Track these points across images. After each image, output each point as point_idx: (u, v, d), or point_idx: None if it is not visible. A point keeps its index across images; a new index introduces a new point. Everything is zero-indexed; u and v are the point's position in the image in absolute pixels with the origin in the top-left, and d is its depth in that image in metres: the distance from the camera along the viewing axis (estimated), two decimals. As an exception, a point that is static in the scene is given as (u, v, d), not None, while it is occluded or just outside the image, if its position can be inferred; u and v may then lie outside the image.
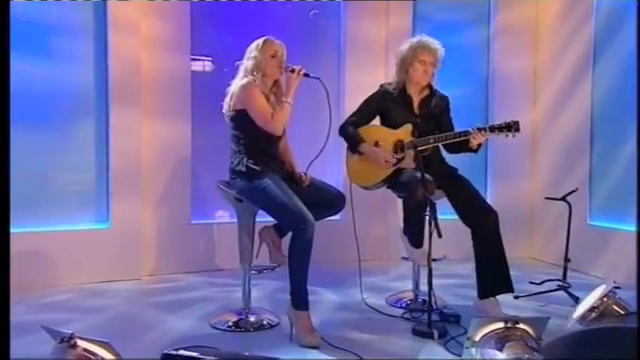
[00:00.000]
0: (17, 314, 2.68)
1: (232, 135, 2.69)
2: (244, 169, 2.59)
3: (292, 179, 2.73)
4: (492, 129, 2.71)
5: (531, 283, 3.41)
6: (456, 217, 2.87)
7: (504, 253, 2.76)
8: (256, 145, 2.64)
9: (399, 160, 2.89)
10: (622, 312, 2.19)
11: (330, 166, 3.85)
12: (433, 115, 3.00)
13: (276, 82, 2.72)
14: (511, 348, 1.86)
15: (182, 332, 2.63)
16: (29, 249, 3.31)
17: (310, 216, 2.44)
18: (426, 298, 2.65)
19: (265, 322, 2.73)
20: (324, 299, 3.24)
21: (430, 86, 3.02)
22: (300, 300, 2.49)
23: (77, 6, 3.57)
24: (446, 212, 2.89)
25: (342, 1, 4.37)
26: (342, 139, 3.04)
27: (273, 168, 2.64)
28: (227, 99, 2.68)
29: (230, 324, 2.70)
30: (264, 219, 2.70)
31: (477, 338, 1.93)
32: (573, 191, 3.31)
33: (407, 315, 2.89)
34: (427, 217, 2.57)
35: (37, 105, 3.45)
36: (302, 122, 3.67)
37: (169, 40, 3.84)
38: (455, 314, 2.79)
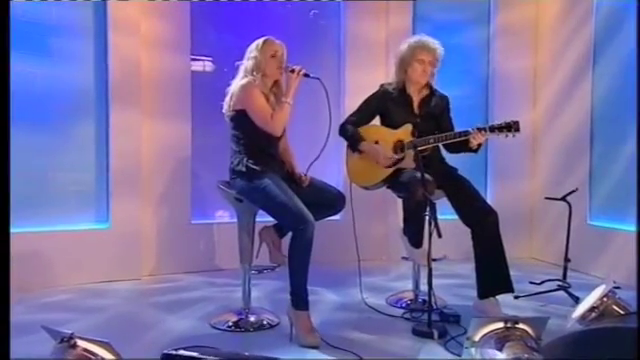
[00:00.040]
0: (17, 314, 2.68)
1: (232, 135, 2.69)
2: (244, 169, 2.59)
3: (292, 179, 2.73)
4: (492, 129, 2.70)
5: (531, 283, 3.40)
6: (456, 217, 2.86)
7: (504, 253, 2.76)
8: (256, 145, 2.64)
9: (399, 160, 2.89)
10: (622, 312, 2.19)
11: (330, 166, 3.84)
12: (433, 115, 3.00)
13: (276, 82, 2.72)
14: (511, 348, 1.86)
15: (182, 332, 2.63)
16: (29, 249, 3.30)
17: (310, 216, 2.44)
18: (426, 298, 2.65)
19: (265, 322, 2.73)
20: (324, 299, 3.24)
21: (430, 86, 3.02)
22: (300, 300, 2.49)
23: (77, 6, 3.57)
24: (446, 212, 2.89)
25: (342, 1, 4.37)
26: (342, 139, 3.04)
27: (273, 168, 2.64)
28: (227, 99, 2.68)
29: (230, 324, 2.70)
30: (264, 219, 2.70)
31: (477, 338, 1.94)
32: (573, 191, 3.31)
33: (407, 315, 2.89)
34: (427, 217, 2.57)
35: (37, 105, 3.45)
36: (302, 122, 3.67)
37: (169, 40, 3.84)
38: (455, 314, 2.79)
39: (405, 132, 2.91)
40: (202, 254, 3.99)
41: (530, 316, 2.39)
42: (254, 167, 2.57)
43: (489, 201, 3.17)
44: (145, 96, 3.73)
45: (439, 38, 2.99)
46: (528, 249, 4.54)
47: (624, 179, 3.60)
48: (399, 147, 2.91)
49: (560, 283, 3.23)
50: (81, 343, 1.78)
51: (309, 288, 2.52)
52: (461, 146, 2.85)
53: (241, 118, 2.61)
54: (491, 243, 2.75)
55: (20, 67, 3.22)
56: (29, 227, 3.34)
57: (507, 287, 2.79)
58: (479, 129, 2.73)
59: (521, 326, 1.92)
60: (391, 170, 2.89)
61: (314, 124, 3.54)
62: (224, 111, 2.70)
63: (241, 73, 2.69)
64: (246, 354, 2.11)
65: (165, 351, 1.86)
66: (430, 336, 2.52)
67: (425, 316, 2.64)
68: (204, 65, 4.05)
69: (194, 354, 1.82)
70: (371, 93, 3.08)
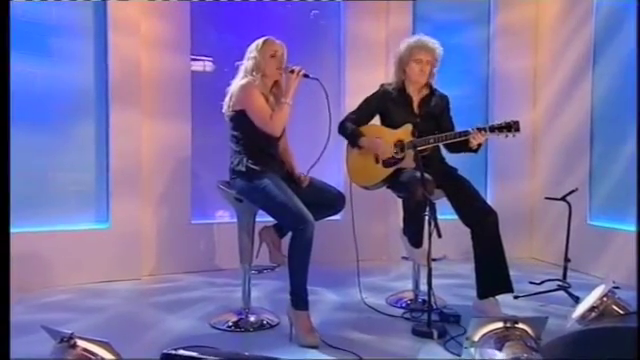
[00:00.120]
0: (17, 314, 2.68)
1: (232, 135, 2.69)
2: (244, 169, 2.59)
3: (292, 179, 2.73)
4: (492, 129, 2.71)
5: (531, 283, 3.40)
6: (456, 217, 2.87)
7: (504, 253, 2.76)
8: (256, 145, 2.64)
9: (399, 160, 2.89)
10: (622, 312, 2.19)
11: (330, 166, 3.84)
12: (433, 115, 3.00)
13: (276, 83, 2.72)
14: (510, 348, 1.86)
15: (182, 332, 2.63)
16: (29, 249, 3.31)
17: (310, 216, 2.45)
18: (426, 298, 2.65)
19: (265, 322, 2.73)
20: (324, 299, 3.24)
21: (430, 86, 3.02)
22: (300, 300, 2.49)
23: (77, 6, 3.57)
24: (446, 212, 2.88)
25: (342, 1, 4.37)
26: (342, 139, 3.05)
27: (273, 168, 2.64)
28: (227, 99, 2.68)
29: (230, 324, 2.70)
30: (264, 219, 2.70)
31: (476, 338, 1.94)
32: (573, 191, 3.31)
33: (407, 315, 2.90)
34: (427, 217, 2.57)
35: (37, 105, 3.45)
36: (302, 122, 3.67)
37: (169, 40, 3.84)
38: (455, 314, 2.79)
39: (405, 132, 2.91)
40: (202, 254, 3.99)
41: (530, 316, 2.39)
42: (254, 167, 2.57)
43: (489, 201, 3.17)
44: (145, 96, 3.73)
45: (439, 38, 2.99)
46: (528, 249, 4.54)
47: (624, 179, 3.60)
48: (399, 147, 2.91)
49: (560, 283, 3.23)
50: (81, 343, 1.78)
51: (309, 288, 2.52)
52: (461, 146, 2.85)
53: (241, 118, 2.61)
54: (491, 243, 2.75)
55: (20, 67, 3.22)
56: (29, 227, 3.34)
57: (507, 287, 2.79)
58: (479, 129, 2.73)
59: (521, 326, 1.92)
60: (391, 170, 2.89)
61: (314, 124, 3.53)
62: (224, 111, 2.70)
63: (241, 73, 2.69)
64: (246, 354, 2.11)
65: (165, 351, 1.86)
66: (430, 336, 2.52)
67: (425, 316, 2.64)
68: (204, 65, 4.05)
69: (194, 354, 1.82)
70: (371, 93, 3.08)
